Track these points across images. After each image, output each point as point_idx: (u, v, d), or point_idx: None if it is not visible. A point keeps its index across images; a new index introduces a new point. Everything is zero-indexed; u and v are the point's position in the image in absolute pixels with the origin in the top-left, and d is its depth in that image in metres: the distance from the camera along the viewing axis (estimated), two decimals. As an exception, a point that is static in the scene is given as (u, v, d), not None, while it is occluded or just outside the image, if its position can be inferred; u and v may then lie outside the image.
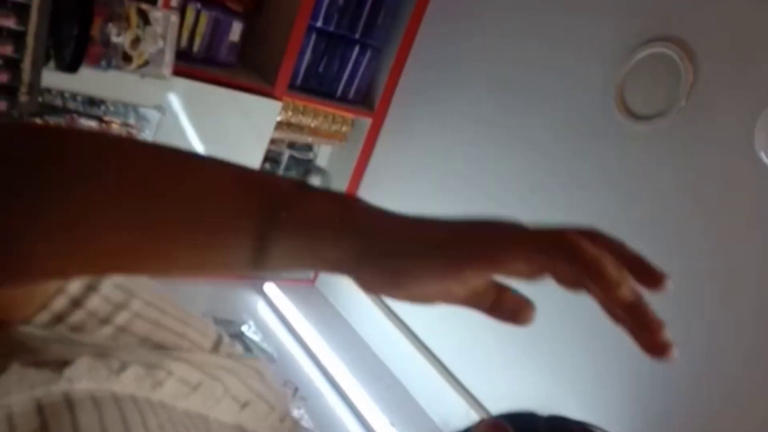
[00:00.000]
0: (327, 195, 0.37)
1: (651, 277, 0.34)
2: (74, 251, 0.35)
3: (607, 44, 1.76)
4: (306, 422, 2.08)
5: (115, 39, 1.53)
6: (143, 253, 0.37)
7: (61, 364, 0.35)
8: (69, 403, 0.33)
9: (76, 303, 0.42)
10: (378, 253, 0.35)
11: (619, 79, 1.71)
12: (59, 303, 0.41)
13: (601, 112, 1.75)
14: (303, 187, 0.37)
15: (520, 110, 1.97)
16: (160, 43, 1.60)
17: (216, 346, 0.48)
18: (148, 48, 1.58)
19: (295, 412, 1.95)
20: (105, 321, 0.42)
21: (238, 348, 0.51)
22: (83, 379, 0.35)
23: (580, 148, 1.80)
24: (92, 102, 1.85)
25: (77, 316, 0.41)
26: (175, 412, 0.38)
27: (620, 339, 0.35)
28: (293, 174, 2.50)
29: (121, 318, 0.43)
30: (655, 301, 0.34)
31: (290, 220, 0.36)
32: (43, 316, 0.40)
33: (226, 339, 0.50)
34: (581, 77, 1.82)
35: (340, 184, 2.52)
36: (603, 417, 1.62)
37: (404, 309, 2.23)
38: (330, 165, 2.62)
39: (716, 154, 1.53)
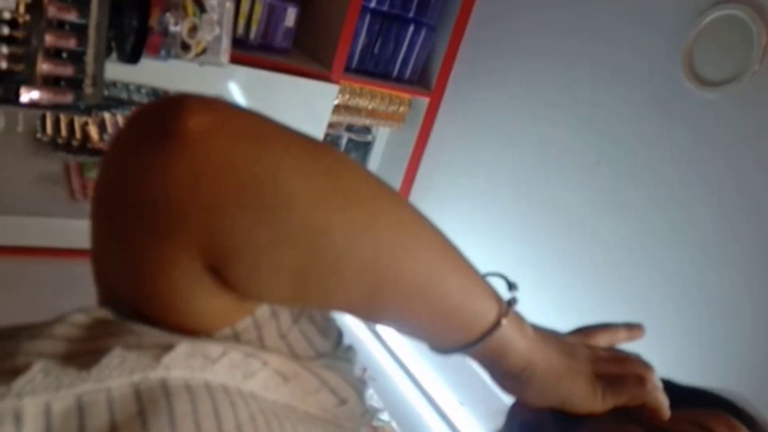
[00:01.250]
0: (518, 317, 0.47)
1: None
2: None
3: (674, 7, 1.68)
4: (376, 402, 2.10)
5: (173, 28, 1.56)
6: (367, 317, 0.43)
7: (161, 348, 0.35)
8: (165, 390, 0.34)
9: (257, 325, 0.43)
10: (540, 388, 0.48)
11: (686, 44, 1.63)
12: (244, 323, 0.42)
13: (668, 79, 1.68)
14: (510, 305, 0.46)
15: (583, 81, 1.91)
16: (217, 30, 1.62)
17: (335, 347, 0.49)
18: (205, 36, 1.60)
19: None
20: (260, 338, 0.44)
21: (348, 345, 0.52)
22: (180, 367, 0.35)
23: (647, 117, 1.73)
24: (156, 93, 1.90)
25: (249, 335, 0.43)
26: (265, 402, 0.38)
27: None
28: (352, 157, 2.51)
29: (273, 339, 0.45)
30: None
31: (499, 337, 0.45)
32: (226, 332, 0.42)
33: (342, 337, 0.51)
34: (647, 43, 1.75)
35: (399, 165, 2.51)
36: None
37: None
38: (388, 146, 2.61)
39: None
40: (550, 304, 1.91)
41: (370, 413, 0.49)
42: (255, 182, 0.35)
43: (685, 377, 0.52)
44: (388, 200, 0.40)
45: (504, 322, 0.45)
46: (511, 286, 0.49)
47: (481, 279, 0.45)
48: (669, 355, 1.61)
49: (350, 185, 0.38)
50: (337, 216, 0.37)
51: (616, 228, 1.78)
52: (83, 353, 0.34)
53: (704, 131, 1.60)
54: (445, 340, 0.45)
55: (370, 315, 0.42)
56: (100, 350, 0.34)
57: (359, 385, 0.49)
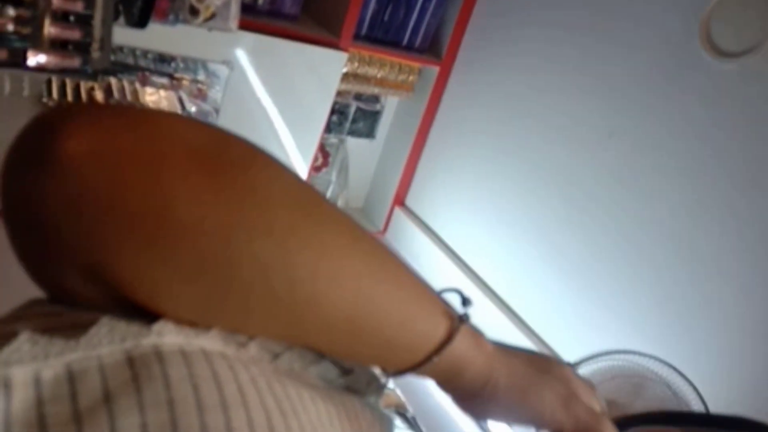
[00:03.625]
0: (473, 332, 0.46)
1: None
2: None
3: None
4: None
5: (181, -8, 1.53)
6: (295, 344, 0.40)
7: (149, 319, 0.34)
8: (159, 356, 0.32)
9: None
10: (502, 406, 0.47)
11: (704, 12, 1.60)
12: None
13: (685, 49, 1.65)
14: (462, 320, 0.45)
15: (597, 51, 1.88)
16: (226, -5, 1.59)
17: None
18: (214, 0, 1.58)
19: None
20: None
21: None
22: (172, 333, 0.34)
23: (663, 89, 1.70)
24: (162, 59, 1.87)
25: None
26: (266, 369, 0.37)
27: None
28: (360, 126, 2.49)
29: None
30: None
31: (454, 351, 0.44)
32: None
33: None
34: (664, 13, 1.71)
35: (408, 135, 2.49)
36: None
37: (482, 267, 2.21)
38: (397, 115, 2.59)
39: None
40: (556, 273, 1.90)
41: (378, 381, 0.47)
42: (146, 215, 0.32)
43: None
44: (308, 223, 0.37)
45: (456, 338, 0.43)
46: (465, 301, 0.47)
47: (427, 295, 0.43)
48: (686, 330, 1.60)
49: (260, 210, 0.35)
50: (243, 249, 0.34)
51: (627, 198, 1.76)
52: (65, 327, 0.33)
53: (720, 102, 1.58)
54: (390, 364, 0.44)
55: (297, 344, 0.40)
56: (84, 322, 0.33)
57: None
